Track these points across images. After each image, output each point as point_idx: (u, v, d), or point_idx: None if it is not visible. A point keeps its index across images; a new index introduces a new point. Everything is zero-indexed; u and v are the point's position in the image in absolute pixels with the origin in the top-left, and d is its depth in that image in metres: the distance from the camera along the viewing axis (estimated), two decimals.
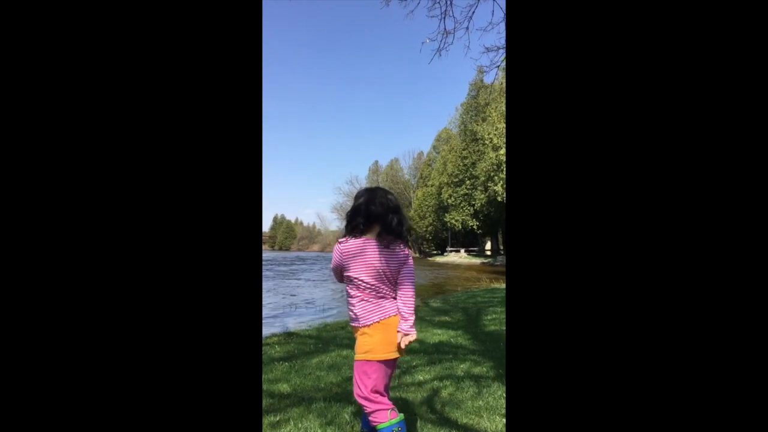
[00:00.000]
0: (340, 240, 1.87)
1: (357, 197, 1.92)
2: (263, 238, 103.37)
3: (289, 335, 5.64)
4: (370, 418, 1.79)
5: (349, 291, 1.86)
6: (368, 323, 1.81)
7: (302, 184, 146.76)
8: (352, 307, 1.85)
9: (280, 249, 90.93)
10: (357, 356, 1.83)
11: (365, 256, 1.80)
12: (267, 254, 55.48)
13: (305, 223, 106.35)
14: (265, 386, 3.17)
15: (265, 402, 2.81)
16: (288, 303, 10.53)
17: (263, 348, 4.75)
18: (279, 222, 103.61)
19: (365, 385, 1.79)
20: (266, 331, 6.52)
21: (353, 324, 1.89)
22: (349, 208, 1.91)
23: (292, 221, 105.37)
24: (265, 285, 15.62)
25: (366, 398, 1.78)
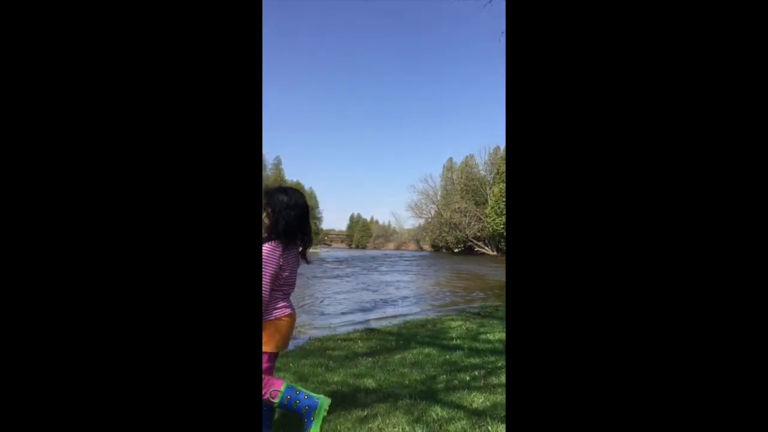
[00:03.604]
0: (275, 247, 1.91)
1: (289, 206, 1.95)
2: (340, 236, 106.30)
3: (370, 331, 5.73)
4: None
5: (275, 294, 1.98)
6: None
7: (377, 183, 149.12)
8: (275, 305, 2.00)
9: (357, 247, 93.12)
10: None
11: (293, 264, 2.01)
12: (343, 252, 57.08)
13: (380, 222, 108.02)
14: (350, 380, 3.24)
15: (352, 397, 2.86)
16: (367, 300, 10.72)
17: (346, 343, 4.87)
18: (355, 221, 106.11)
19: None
20: (347, 327, 6.69)
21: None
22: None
23: (368, 220, 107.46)
24: (342, 282, 16.06)
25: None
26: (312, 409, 2.01)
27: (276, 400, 1.98)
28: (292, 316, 2.06)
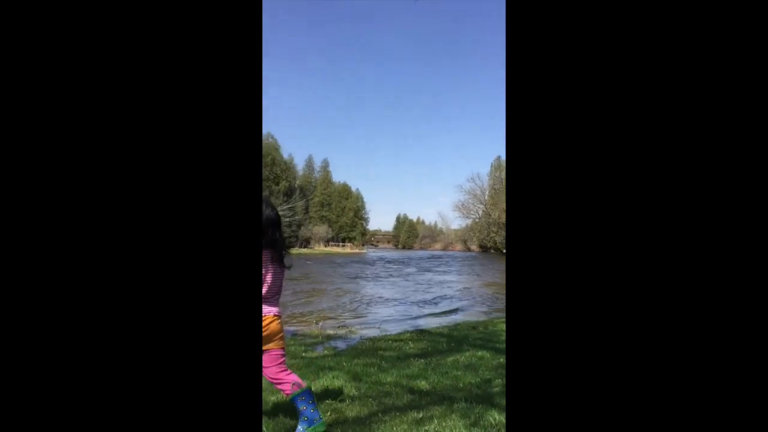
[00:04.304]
0: (271, 255, 2.15)
1: (270, 222, 2.15)
2: (387, 237, 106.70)
3: (421, 332, 5.69)
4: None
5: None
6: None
7: (424, 183, 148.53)
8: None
9: (403, 248, 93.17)
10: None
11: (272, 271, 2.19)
12: (390, 253, 57.24)
13: (426, 222, 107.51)
14: (403, 381, 3.22)
15: (406, 398, 2.84)
16: (416, 300, 10.68)
17: (397, 343, 4.86)
18: (402, 221, 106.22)
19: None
20: (397, 327, 6.69)
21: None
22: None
23: (414, 220, 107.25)
24: (391, 282, 16.10)
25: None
26: (310, 421, 2.21)
27: (291, 393, 2.21)
28: (270, 318, 2.20)
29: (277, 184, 50.23)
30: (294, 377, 2.25)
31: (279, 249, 2.17)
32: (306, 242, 54.97)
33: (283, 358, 2.27)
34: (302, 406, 2.21)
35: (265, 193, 2.34)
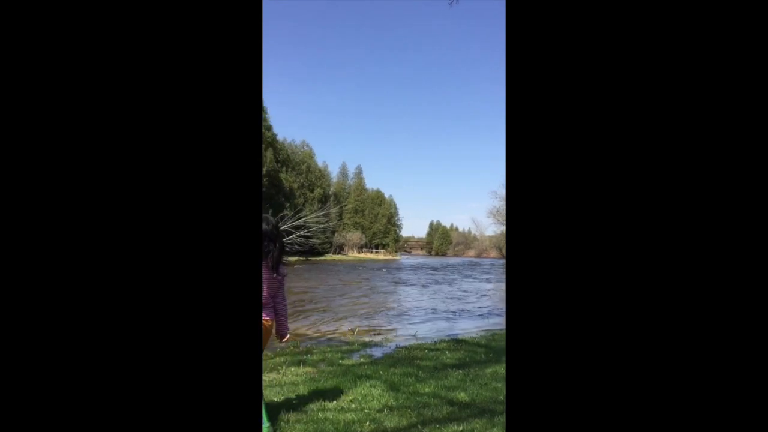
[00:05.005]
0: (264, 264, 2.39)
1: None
2: (420, 243, 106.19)
3: (457, 342, 5.60)
4: None
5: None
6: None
7: (457, 189, 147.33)
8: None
9: (436, 254, 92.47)
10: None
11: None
12: (424, 260, 56.96)
13: (460, 229, 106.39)
14: (442, 393, 3.17)
15: (445, 410, 2.79)
16: (451, 309, 10.55)
17: (434, 353, 4.80)
18: (435, 228, 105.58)
19: None
20: (433, 336, 6.61)
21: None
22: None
23: (447, 227, 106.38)
24: (425, 290, 15.98)
25: None
26: None
27: None
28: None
29: (312, 191, 50.98)
30: None
31: (272, 259, 2.44)
32: (340, 248, 55.47)
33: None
34: None
35: (266, 213, 2.60)
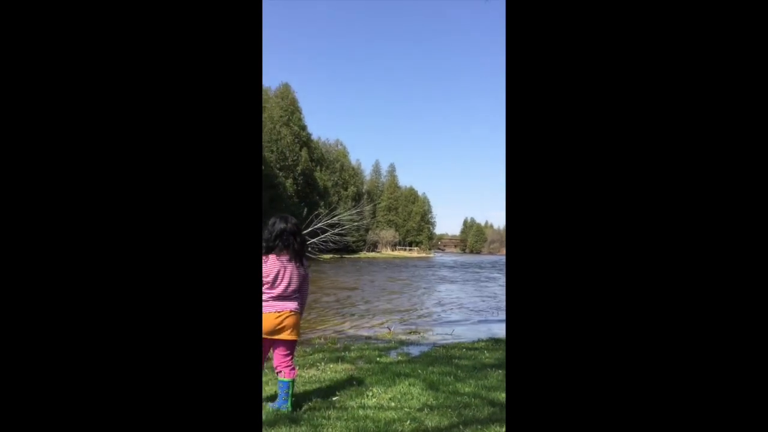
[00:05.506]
0: (289, 257, 2.60)
1: (269, 230, 2.62)
2: (453, 241, 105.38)
3: (496, 341, 5.51)
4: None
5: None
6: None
7: (492, 186, 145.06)
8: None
9: (471, 252, 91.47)
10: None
11: (281, 271, 2.59)
12: (458, 258, 56.46)
13: (495, 226, 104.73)
14: (482, 393, 3.12)
15: (486, 410, 2.74)
16: (488, 307, 10.40)
17: (472, 352, 4.73)
18: (469, 225, 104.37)
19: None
20: (472, 335, 6.53)
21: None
22: None
23: (482, 224, 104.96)
24: (461, 288, 15.82)
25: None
26: (281, 403, 2.65)
27: (281, 379, 2.68)
28: (270, 315, 2.56)
29: (346, 189, 51.47)
30: (293, 373, 2.69)
31: (296, 253, 2.62)
32: (374, 246, 55.75)
33: (292, 349, 2.70)
34: (283, 391, 2.69)
35: (285, 214, 2.79)
